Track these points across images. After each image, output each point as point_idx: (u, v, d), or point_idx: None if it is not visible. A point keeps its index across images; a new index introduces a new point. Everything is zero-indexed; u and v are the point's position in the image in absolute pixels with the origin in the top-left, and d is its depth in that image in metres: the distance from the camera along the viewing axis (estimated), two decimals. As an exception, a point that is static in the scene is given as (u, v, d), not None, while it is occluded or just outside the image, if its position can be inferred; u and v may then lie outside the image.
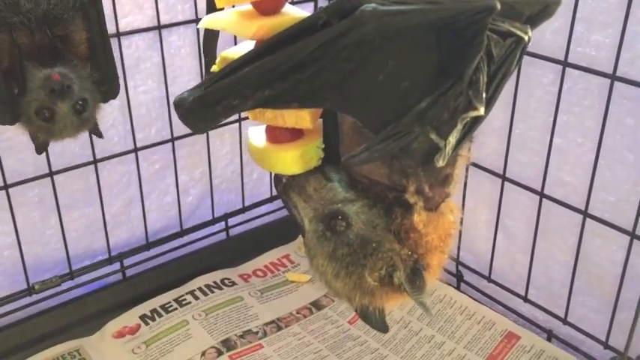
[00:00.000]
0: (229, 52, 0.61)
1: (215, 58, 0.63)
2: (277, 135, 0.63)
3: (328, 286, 0.64)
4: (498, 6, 0.49)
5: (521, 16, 0.55)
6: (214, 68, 0.61)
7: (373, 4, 0.49)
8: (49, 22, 0.75)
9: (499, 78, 0.53)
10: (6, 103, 0.74)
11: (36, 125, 0.79)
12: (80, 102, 0.79)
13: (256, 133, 0.65)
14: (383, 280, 0.60)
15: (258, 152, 0.64)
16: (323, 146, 0.63)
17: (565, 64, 0.88)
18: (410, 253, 0.60)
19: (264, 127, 0.65)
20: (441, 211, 0.61)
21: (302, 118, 0.60)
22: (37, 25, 0.75)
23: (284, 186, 0.65)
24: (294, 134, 0.63)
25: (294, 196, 0.64)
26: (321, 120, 0.64)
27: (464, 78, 0.51)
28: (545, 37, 0.89)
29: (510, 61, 0.53)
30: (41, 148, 0.86)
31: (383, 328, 0.69)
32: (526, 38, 0.53)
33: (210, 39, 0.70)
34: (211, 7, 0.60)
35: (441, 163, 0.54)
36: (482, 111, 0.52)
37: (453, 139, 0.53)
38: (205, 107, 0.55)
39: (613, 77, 0.84)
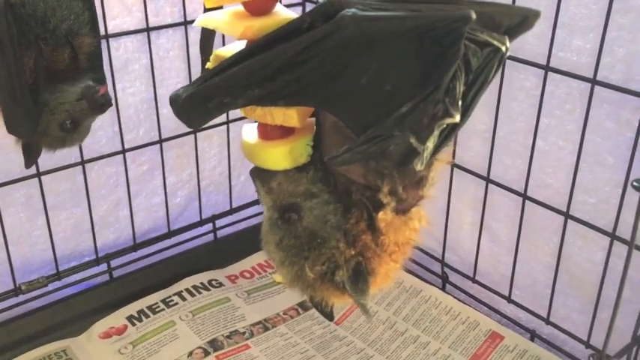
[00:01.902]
0: (223, 50, 0.63)
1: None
2: (268, 132, 0.65)
3: (279, 272, 0.66)
4: (473, 16, 0.50)
5: (500, 27, 0.57)
6: (208, 65, 0.63)
7: (353, 9, 0.50)
8: (71, 37, 0.78)
9: (477, 87, 0.54)
10: (30, 116, 0.77)
11: (51, 137, 0.81)
12: None
13: (249, 130, 0.67)
14: (324, 275, 0.62)
15: (250, 148, 0.66)
16: (312, 143, 0.64)
17: (547, 68, 0.90)
18: (354, 254, 0.61)
19: (257, 124, 0.66)
20: (410, 215, 0.62)
21: (289, 116, 0.61)
22: (62, 40, 0.77)
23: (252, 172, 0.67)
24: (285, 131, 0.64)
25: (258, 184, 0.66)
26: (311, 118, 0.65)
27: (441, 86, 0.52)
28: (527, 42, 0.91)
29: (488, 71, 0.54)
30: (32, 161, 0.86)
31: (329, 316, 0.71)
32: (503, 49, 0.54)
33: (206, 38, 0.72)
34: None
35: (419, 167, 0.56)
36: (457, 119, 0.54)
37: (430, 144, 0.55)
38: (198, 104, 0.57)
39: (593, 82, 0.85)
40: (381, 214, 0.60)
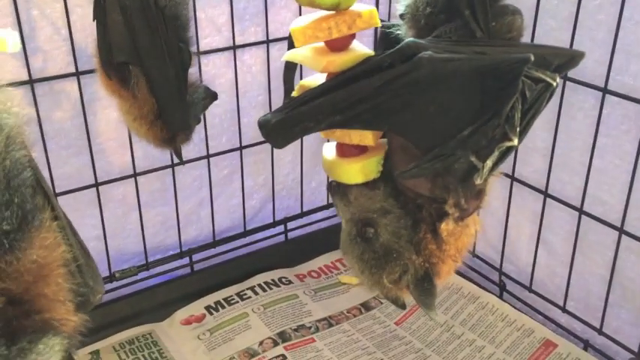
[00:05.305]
0: (306, 81, 0.71)
1: (293, 85, 0.74)
2: (344, 150, 0.73)
3: (359, 278, 0.75)
4: (532, 58, 0.58)
5: (550, 65, 0.65)
6: (294, 94, 0.71)
7: (430, 52, 0.59)
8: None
9: (530, 115, 0.62)
10: (187, 111, 0.88)
11: (190, 130, 0.93)
12: None
13: (329, 149, 0.75)
14: (398, 282, 0.71)
15: (329, 164, 0.74)
16: (383, 161, 0.72)
17: (605, 91, 0.93)
18: (423, 262, 0.70)
19: (335, 143, 0.75)
20: (466, 222, 0.70)
21: (365, 136, 0.69)
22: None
23: (331, 189, 0.75)
24: (360, 150, 0.72)
25: (337, 199, 0.74)
26: (383, 139, 0.73)
27: (501, 114, 0.60)
28: (586, 65, 0.94)
29: (540, 102, 0.62)
30: (180, 153, 0.97)
31: (402, 306, 0.79)
32: (554, 84, 0.62)
33: (290, 69, 0.81)
34: (292, 44, 0.70)
35: (479, 182, 0.64)
36: (516, 142, 0.62)
37: (490, 162, 0.63)
38: (286, 128, 0.65)
39: (650, 105, 0.89)
40: (443, 225, 0.68)
